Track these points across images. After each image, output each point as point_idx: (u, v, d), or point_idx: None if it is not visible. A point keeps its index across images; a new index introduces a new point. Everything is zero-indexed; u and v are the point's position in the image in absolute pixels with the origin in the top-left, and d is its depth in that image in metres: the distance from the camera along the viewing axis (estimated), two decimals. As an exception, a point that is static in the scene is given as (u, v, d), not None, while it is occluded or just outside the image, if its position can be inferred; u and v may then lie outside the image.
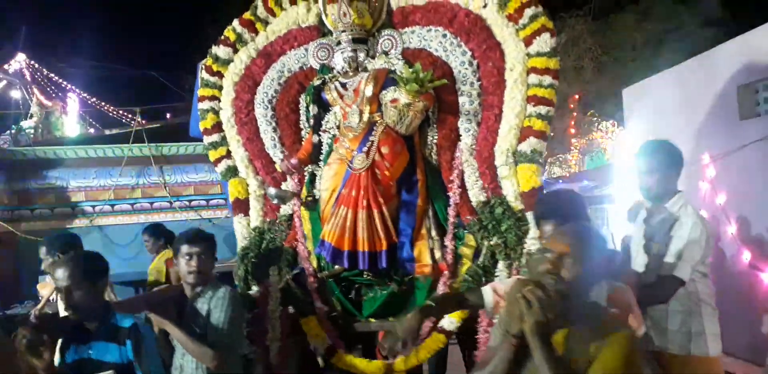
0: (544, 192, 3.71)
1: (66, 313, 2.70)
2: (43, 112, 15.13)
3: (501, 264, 3.59)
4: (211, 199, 10.07)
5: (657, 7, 13.35)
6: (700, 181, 5.05)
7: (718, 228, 4.71)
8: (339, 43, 4.13)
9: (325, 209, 3.96)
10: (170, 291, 3.64)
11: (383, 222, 3.76)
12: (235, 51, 4.38)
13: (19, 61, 16.52)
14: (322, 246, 3.85)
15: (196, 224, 8.98)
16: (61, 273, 2.62)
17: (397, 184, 3.88)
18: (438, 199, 3.93)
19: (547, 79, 3.68)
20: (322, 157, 4.16)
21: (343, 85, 4.05)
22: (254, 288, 3.95)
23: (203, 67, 4.47)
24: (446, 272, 3.76)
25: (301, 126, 4.31)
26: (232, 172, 4.35)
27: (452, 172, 3.89)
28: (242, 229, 4.24)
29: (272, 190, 4.01)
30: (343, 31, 4.08)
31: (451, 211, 3.84)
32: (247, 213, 4.28)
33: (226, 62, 4.38)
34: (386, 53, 4.09)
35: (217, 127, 4.38)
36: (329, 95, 4.09)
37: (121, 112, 17.82)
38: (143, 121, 11.45)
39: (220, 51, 4.39)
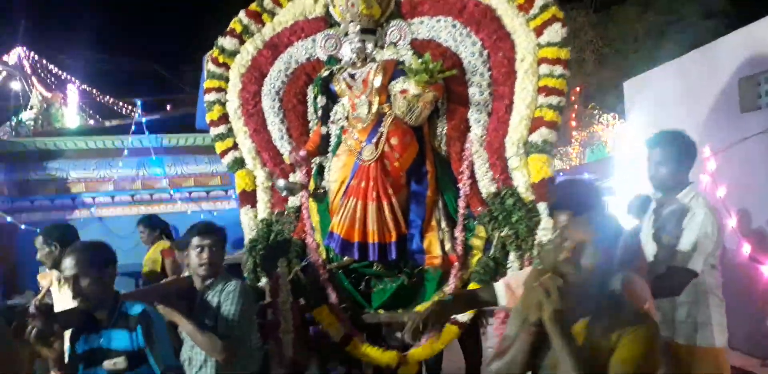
0: (557, 182, 3.69)
1: (71, 303, 2.69)
2: (43, 103, 15.09)
3: (512, 256, 3.59)
4: (211, 191, 10.06)
5: (659, -1, 13.32)
6: (701, 173, 5.04)
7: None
8: (347, 33, 4.10)
9: (334, 201, 3.95)
10: (179, 283, 3.62)
11: (393, 214, 3.74)
12: (242, 42, 4.35)
13: (19, 52, 16.45)
14: (330, 237, 3.84)
15: (196, 216, 9.00)
16: (68, 262, 2.62)
17: (407, 176, 3.88)
18: (448, 191, 3.93)
19: (558, 69, 3.67)
20: (330, 149, 4.14)
21: (352, 76, 4.02)
22: (263, 280, 3.93)
23: (209, 58, 4.44)
24: (456, 263, 3.75)
25: (309, 117, 4.29)
26: (239, 163, 4.32)
27: (462, 163, 3.88)
28: (249, 221, 4.21)
29: (281, 182, 3.99)
30: (351, 22, 4.05)
31: (461, 203, 3.84)
32: (254, 205, 4.25)
33: (233, 54, 4.35)
34: (395, 44, 4.07)
35: (224, 118, 4.35)
36: (337, 86, 4.07)
37: (121, 103, 17.79)
38: (143, 113, 11.40)
39: (227, 42, 4.35)
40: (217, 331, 3.02)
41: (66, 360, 2.73)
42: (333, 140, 4.15)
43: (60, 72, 17.08)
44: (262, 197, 4.25)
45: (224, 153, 4.36)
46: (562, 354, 1.87)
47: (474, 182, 3.84)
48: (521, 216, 3.59)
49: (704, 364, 3.07)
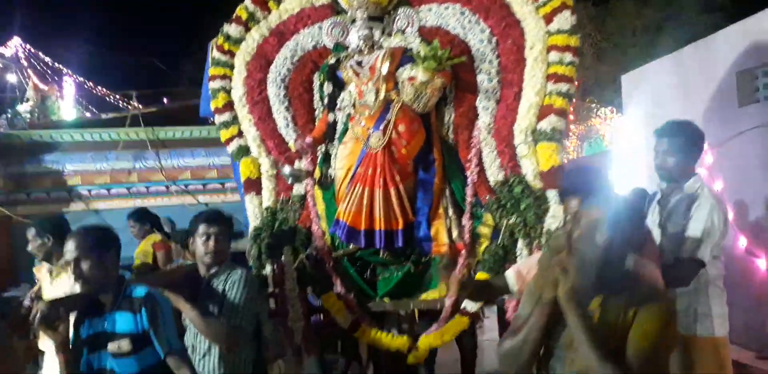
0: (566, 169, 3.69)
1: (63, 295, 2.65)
2: (39, 95, 15.02)
3: (521, 243, 3.57)
4: (208, 184, 10.02)
5: (657, -7, 13.32)
6: (698, 167, 5.03)
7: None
8: (354, 21, 4.08)
9: (340, 188, 3.93)
10: (185, 270, 3.60)
11: (400, 201, 3.73)
12: (247, 29, 4.32)
13: (15, 44, 16.37)
14: (336, 225, 3.82)
15: (192, 209, 8.95)
16: (69, 245, 2.59)
17: (414, 163, 3.86)
18: (455, 179, 3.91)
19: (568, 57, 3.66)
20: (337, 136, 4.13)
21: (359, 63, 4.00)
22: (268, 268, 3.90)
23: (214, 45, 4.41)
24: (463, 252, 3.73)
25: (315, 105, 4.27)
26: (244, 151, 4.29)
27: (470, 151, 3.87)
28: (254, 209, 4.18)
29: (287, 169, 3.96)
30: (358, 9, 4.03)
31: (468, 190, 3.82)
32: (259, 193, 4.22)
33: (238, 41, 4.32)
34: (402, 31, 4.05)
35: (229, 106, 4.32)
36: (344, 73, 4.04)
37: (117, 96, 17.72)
38: (140, 105, 11.37)
39: (232, 29, 4.33)
40: (220, 319, 3.00)
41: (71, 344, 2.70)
42: (340, 127, 4.14)
43: (56, 64, 17.00)
44: (267, 185, 4.21)
45: (229, 140, 4.33)
46: (577, 331, 1.89)
47: (482, 170, 3.82)
48: (529, 203, 3.57)
49: (704, 354, 3.08)
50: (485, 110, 3.85)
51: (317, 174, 4.13)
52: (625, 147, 6.78)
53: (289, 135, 4.21)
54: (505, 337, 2.09)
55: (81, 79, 17.51)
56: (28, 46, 16.62)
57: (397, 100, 3.84)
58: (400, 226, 3.72)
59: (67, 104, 16.66)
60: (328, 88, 4.11)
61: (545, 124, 3.66)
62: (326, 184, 4.10)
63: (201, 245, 3.15)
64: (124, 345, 2.54)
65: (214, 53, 4.38)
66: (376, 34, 4.03)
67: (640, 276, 2.34)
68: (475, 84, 3.88)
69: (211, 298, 3.08)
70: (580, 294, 1.90)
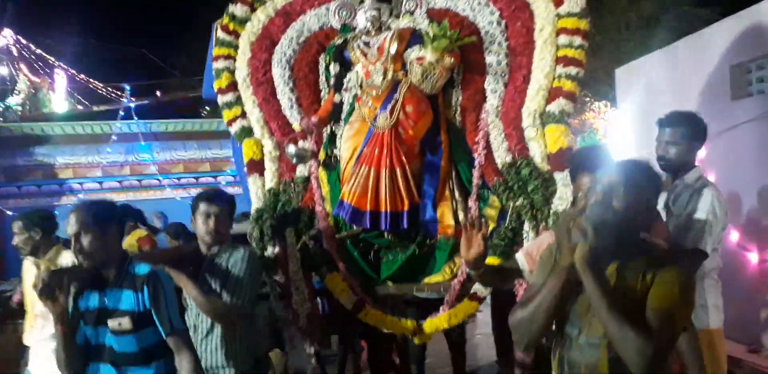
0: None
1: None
2: (30, 88, 14.94)
3: (527, 225, 3.53)
4: (201, 177, 9.98)
5: (652, -13, 13.29)
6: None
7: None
8: (362, 1, 4.06)
9: (346, 169, 3.90)
10: (186, 249, 3.55)
11: (406, 181, 3.70)
12: (253, 10, 4.30)
13: (6, 36, 16.24)
14: (341, 206, 3.79)
15: (185, 202, 8.90)
16: (71, 218, 2.54)
17: (421, 145, 3.84)
18: (461, 161, 3.88)
19: (578, 40, 3.68)
20: (343, 117, 4.09)
21: (366, 44, 3.97)
22: (269, 250, 3.86)
23: (218, 25, 4.38)
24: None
25: (320, 86, 4.25)
26: (247, 132, 4.25)
27: (477, 133, 3.83)
28: (257, 190, 4.13)
29: (292, 148, 3.90)
30: (367, -10, 4.01)
31: (475, 173, 3.79)
32: (261, 174, 4.17)
33: (243, 21, 4.29)
34: (411, 13, 4.02)
35: (232, 86, 4.29)
36: (352, 53, 4.01)
37: (109, 88, 17.63)
38: (132, 98, 11.32)
39: (237, 9, 4.30)
40: (221, 297, 2.97)
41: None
42: (346, 108, 4.11)
43: (48, 56, 16.90)
44: (270, 166, 4.17)
45: (231, 121, 4.29)
46: (594, 295, 1.86)
47: (489, 152, 3.78)
48: (537, 185, 3.54)
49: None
50: (493, 92, 3.83)
51: (321, 155, 4.10)
52: (618, 140, 6.76)
53: (293, 116, 4.18)
54: (516, 308, 2.06)
55: (73, 71, 17.40)
56: (19, 38, 16.49)
57: (405, 80, 3.82)
58: (406, 208, 3.68)
59: (58, 96, 16.57)
60: (334, 68, 4.08)
61: (554, 107, 3.63)
62: (331, 164, 4.07)
63: (201, 224, 3.12)
64: (125, 323, 2.50)
65: (218, 33, 4.35)
66: (384, 15, 4.01)
67: (657, 245, 2.33)
68: (484, 66, 3.86)
69: (213, 276, 3.05)
70: (596, 259, 1.89)
